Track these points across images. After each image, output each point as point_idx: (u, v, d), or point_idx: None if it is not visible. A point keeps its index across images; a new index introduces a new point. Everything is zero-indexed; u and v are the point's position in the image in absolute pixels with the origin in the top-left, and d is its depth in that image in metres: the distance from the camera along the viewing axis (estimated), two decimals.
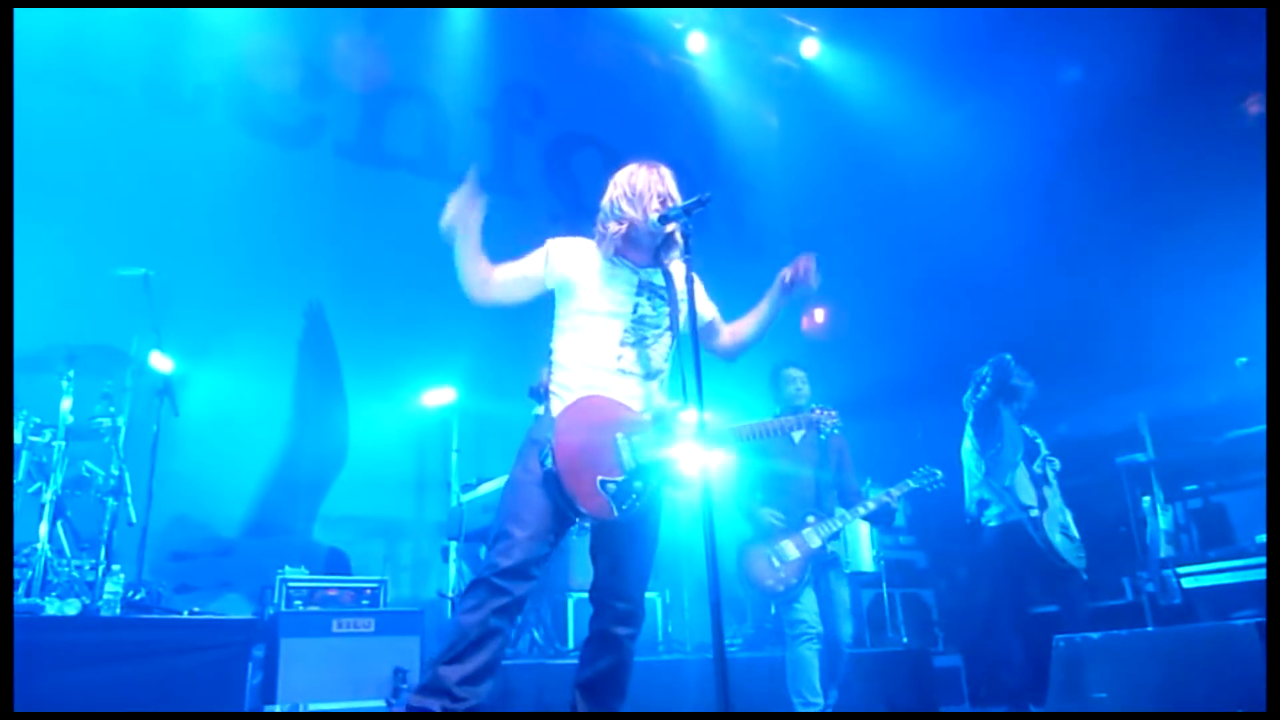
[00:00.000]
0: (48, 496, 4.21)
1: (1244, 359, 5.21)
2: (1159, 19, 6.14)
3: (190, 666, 3.76)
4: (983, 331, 6.34)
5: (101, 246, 5.32)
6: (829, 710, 4.26)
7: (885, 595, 6.28)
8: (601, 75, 8.15)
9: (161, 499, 4.79)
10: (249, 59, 6.45)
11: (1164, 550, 5.27)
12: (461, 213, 2.83)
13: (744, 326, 3.15)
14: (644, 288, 2.95)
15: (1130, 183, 6.39)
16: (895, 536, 6.74)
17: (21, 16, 5.33)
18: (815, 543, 4.33)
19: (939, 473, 4.58)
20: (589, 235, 3.01)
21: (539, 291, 2.99)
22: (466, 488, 5.72)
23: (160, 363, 4.89)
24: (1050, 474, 4.97)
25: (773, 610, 5.39)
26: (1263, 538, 4.81)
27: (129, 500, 4.59)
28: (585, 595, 2.99)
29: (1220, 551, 5.14)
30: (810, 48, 8.73)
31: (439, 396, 6.06)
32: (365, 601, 4.90)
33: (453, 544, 5.59)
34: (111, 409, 4.63)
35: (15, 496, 4.19)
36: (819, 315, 8.60)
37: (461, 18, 7.43)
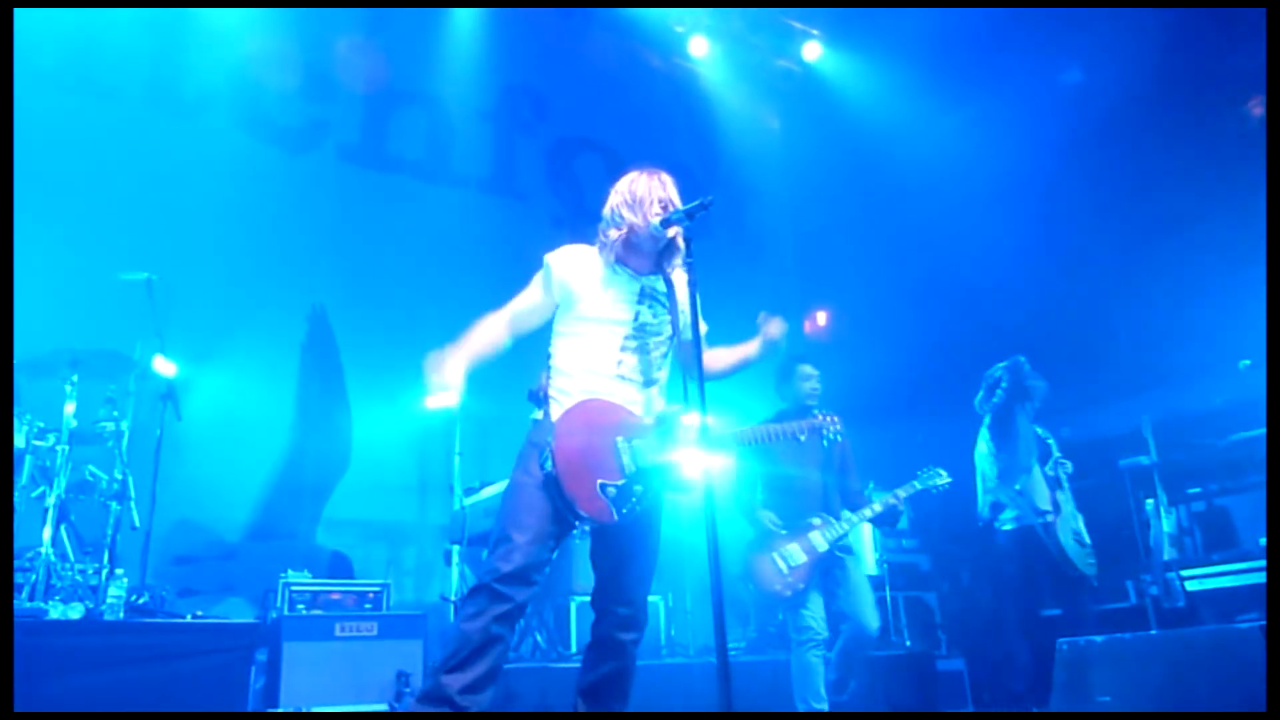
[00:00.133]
0: (51, 501, 4.21)
1: (1247, 361, 5.19)
2: (1159, 19, 6.12)
3: (193, 670, 3.75)
4: (984, 333, 6.35)
5: (104, 250, 5.33)
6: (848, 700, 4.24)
7: (888, 598, 6.25)
8: (603, 78, 8.16)
9: (165, 503, 4.82)
10: (252, 61, 6.46)
11: (1167, 553, 5.25)
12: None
13: (721, 358, 3.11)
14: (645, 295, 2.93)
15: (1131, 184, 6.37)
16: (898, 539, 6.72)
17: (24, 17, 5.34)
18: (822, 546, 4.26)
19: (944, 472, 4.51)
20: (590, 241, 3.00)
21: (553, 309, 3.00)
22: (469, 491, 5.71)
23: (164, 367, 4.89)
24: (1063, 476, 4.95)
25: (780, 616, 5.36)
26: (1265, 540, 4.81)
27: (132, 504, 4.59)
28: (588, 599, 2.97)
29: (1224, 554, 5.14)
30: (812, 51, 8.73)
31: (441, 400, 6.04)
32: (368, 605, 4.89)
33: (455, 547, 5.57)
34: (115, 413, 4.63)
35: (19, 501, 4.19)
36: (821, 317, 8.59)
37: (464, 20, 7.44)
